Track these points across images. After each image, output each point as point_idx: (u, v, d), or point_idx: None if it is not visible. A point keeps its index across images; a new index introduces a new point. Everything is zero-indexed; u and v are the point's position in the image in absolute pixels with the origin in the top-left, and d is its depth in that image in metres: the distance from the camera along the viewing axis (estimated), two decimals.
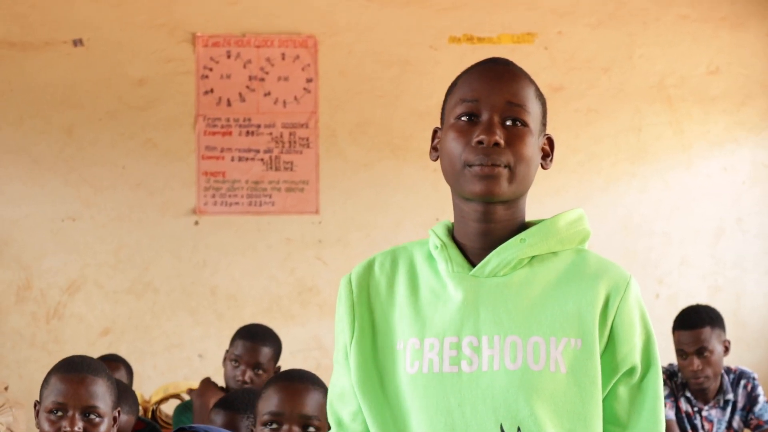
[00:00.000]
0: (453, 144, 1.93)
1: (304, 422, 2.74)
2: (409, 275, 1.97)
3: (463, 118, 1.93)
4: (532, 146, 1.92)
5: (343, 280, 2.03)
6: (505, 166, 1.88)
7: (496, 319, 1.88)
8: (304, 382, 2.83)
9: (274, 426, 2.75)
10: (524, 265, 1.92)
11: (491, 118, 1.90)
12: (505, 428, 1.84)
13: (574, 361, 1.86)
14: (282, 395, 2.79)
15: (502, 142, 1.87)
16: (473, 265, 1.92)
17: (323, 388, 2.83)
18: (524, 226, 1.96)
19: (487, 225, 1.93)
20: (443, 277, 1.93)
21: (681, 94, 6.48)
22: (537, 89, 1.97)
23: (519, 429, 1.84)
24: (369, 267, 2.01)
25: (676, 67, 6.49)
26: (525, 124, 1.91)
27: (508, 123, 1.90)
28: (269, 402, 2.79)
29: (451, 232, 1.98)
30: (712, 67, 6.51)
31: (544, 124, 1.98)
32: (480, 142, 1.88)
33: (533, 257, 1.93)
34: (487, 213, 1.92)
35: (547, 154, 2.00)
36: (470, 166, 1.89)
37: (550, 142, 2.00)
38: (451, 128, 1.95)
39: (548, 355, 1.86)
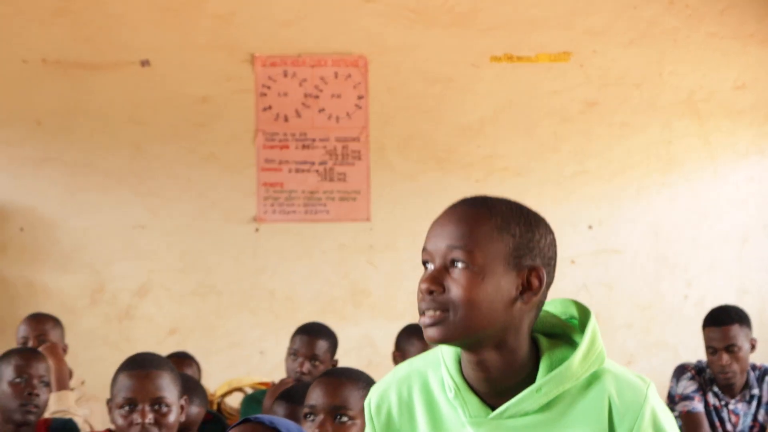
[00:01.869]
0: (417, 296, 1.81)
1: (338, 415, 2.75)
2: (428, 409, 1.85)
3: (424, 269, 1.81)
4: (479, 285, 1.73)
5: (365, 407, 1.93)
6: (445, 310, 1.74)
7: None
8: (339, 377, 2.84)
9: (312, 417, 2.78)
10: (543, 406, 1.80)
11: (435, 265, 1.77)
12: None
13: None
14: (316, 389, 2.81)
15: (435, 287, 1.74)
16: (487, 403, 1.80)
17: (363, 381, 2.84)
18: (530, 360, 1.80)
19: (485, 374, 1.79)
20: (462, 419, 1.81)
21: (709, 108, 6.45)
22: (504, 223, 1.76)
23: None
24: (387, 398, 1.89)
25: (705, 83, 6.46)
26: (468, 265, 1.74)
27: (453, 266, 1.76)
28: (307, 396, 2.84)
29: (461, 365, 1.84)
30: (739, 82, 6.48)
31: (520, 257, 1.76)
32: (421, 291, 1.77)
33: None
34: (479, 362, 1.79)
35: (532, 289, 1.78)
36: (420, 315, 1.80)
37: (537, 274, 1.78)
38: None
39: None
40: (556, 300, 1.90)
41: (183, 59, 6.24)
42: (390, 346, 5.99)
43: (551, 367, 1.78)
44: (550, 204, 6.36)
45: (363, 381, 2.85)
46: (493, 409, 1.79)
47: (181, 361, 4.67)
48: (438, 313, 1.74)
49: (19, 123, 6.16)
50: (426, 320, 1.76)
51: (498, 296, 1.75)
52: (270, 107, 6.26)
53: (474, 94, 6.33)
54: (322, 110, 6.28)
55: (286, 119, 6.27)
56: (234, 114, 6.24)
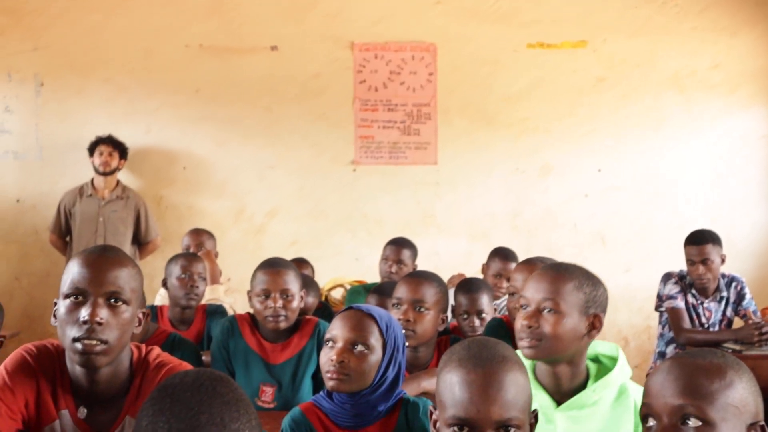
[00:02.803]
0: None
1: (417, 305, 2.71)
2: None
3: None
4: (562, 325, 1.89)
5: None
6: (538, 339, 1.89)
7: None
8: (419, 278, 2.79)
9: (398, 306, 2.74)
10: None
11: (531, 308, 1.92)
12: None
13: None
14: (402, 285, 2.78)
15: (533, 323, 1.90)
16: (553, 398, 1.93)
17: (437, 281, 2.80)
18: (585, 373, 1.96)
19: (557, 381, 1.94)
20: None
21: (691, 83, 6.29)
22: (579, 284, 1.91)
23: None
24: None
25: (688, 63, 6.30)
26: (555, 311, 1.89)
27: (544, 310, 1.91)
28: (395, 290, 2.78)
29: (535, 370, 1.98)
30: (713, 63, 6.31)
31: (588, 307, 1.92)
32: (522, 324, 1.92)
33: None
34: (554, 373, 1.94)
35: (595, 328, 1.93)
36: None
37: (599, 319, 1.94)
38: None
39: None
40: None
41: (302, 45, 6.17)
42: (449, 257, 5.98)
43: (597, 377, 1.95)
44: (568, 153, 6.28)
45: (436, 281, 2.81)
46: (556, 401, 1.93)
47: (300, 264, 4.66)
48: (533, 341, 1.91)
49: (183, 91, 6.12)
50: (524, 344, 1.92)
51: (573, 333, 1.90)
52: (364, 81, 6.18)
53: (514, 72, 6.21)
54: (402, 83, 6.19)
55: (376, 90, 6.19)
56: (338, 86, 6.17)
